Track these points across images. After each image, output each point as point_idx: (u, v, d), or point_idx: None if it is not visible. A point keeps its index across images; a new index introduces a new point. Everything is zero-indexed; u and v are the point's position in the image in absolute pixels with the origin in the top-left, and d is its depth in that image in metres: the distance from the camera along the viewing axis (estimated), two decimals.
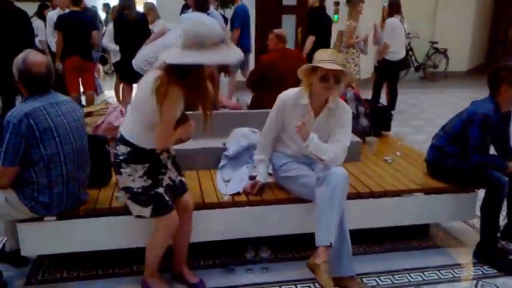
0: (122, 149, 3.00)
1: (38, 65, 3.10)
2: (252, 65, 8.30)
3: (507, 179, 3.62)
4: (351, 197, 3.59)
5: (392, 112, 8.39)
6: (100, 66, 11.36)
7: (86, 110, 5.10)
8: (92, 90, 7.95)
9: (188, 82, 2.80)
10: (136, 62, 3.24)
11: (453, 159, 3.80)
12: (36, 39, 8.14)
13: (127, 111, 3.49)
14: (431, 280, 3.54)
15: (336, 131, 3.52)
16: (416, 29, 11.46)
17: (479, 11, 13.21)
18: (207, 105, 3.04)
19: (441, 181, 3.89)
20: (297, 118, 3.47)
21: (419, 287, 3.45)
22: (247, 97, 6.49)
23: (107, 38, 7.84)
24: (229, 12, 9.35)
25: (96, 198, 3.50)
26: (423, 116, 8.87)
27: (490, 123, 3.59)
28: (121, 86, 8.09)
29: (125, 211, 3.26)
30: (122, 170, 3.00)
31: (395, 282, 3.51)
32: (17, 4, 6.94)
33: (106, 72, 13.69)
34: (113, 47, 7.67)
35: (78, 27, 7.17)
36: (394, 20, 8.13)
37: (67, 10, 7.63)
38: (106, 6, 13.71)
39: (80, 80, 7.52)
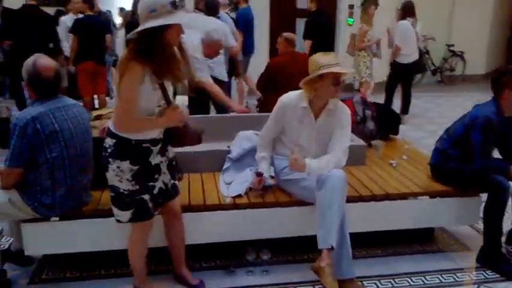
0: (109, 141, 2.91)
1: (47, 70, 3.17)
2: (255, 67, 8.34)
3: (510, 183, 3.59)
4: (353, 200, 3.62)
5: (408, 116, 8.44)
6: (114, 70, 11.45)
7: (96, 113, 5.16)
8: (105, 94, 8.05)
9: (150, 55, 2.70)
10: None
11: (455, 163, 3.78)
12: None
13: None
14: (432, 284, 3.53)
15: (336, 132, 3.53)
16: (432, 31, 11.38)
17: (497, 13, 13.05)
18: (178, 75, 2.92)
19: (444, 184, 3.87)
20: (296, 120, 3.53)
21: None
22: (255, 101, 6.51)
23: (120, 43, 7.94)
24: None
25: (99, 199, 3.54)
26: (439, 120, 8.76)
27: (492, 126, 3.57)
28: None
29: None
30: (109, 166, 2.91)
31: (396, 285, 3.51)
32: None
33: None
34: None
35: (92, 31, 7.29)
36: (405, 23, 8.08)
37: (80, 15, 7.73)
38: (122, 10, 13.81)
39: (92, 83, 7.63)
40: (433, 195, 3.83)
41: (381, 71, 8.96)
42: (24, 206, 3.19)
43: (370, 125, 4.80)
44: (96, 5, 7.61)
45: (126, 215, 3.00)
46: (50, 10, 8.97)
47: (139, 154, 2.92)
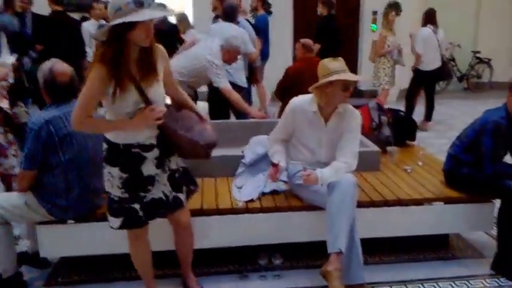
0: (104, 146, 2.89)
1: (63, 75, 3.26)
2: (269, 72, 8.46)
3: None
4: (364, 205, 3.62)
5: (431, 123, 8.38)
6: None
7: None
8: None
9: (111, 57, 2.60)
10: None
11: (467, 168, 3.75)
12: None
13: None
14: None
15: (345, 135, 3.54)
16: (457, 38, 11.28)
17: None
18: (136, 78, 2.71)
19: (457, 190, 3.84)
20: (306, 124, 3.58)
21: None
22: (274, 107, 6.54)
23: None
24: None
25: None
26: (463, 127, 8.58)
27: (501, 131, 3.55)
28: None
29: None
30: (103, 170, 2.91)
31: None
32: None
33: None
34: None
35: None
36: (425, 30, 8.06)
37: (102, 21, 7.86)
38: None
39: None
40: (446, 201, 3.81)
41: (406, 77, 8.91)
42: (39, 208, 3.28)
43: (386, 131, 4.78)
44: None
45: (116, 221, 2.95)
46: (75, 16, 9.17)
47: (129, 161, 2.84)
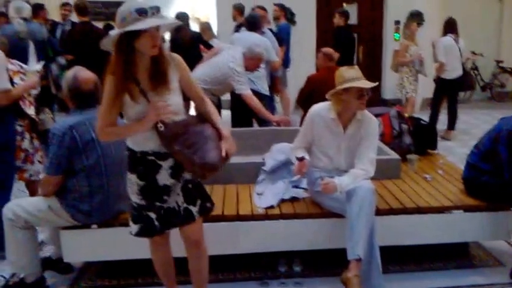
0: (125, 153, 2.92)
1: (87, 82, 3.34)
2: (292, 80, 8.47)
3: None
4: (383, 212, 3.63)
5: (455, 132, 8.34)
6: None
7: None
8: None
9: (122, 67, 2.61)
10: None
11: (487, 177, 3.74)
12: None
13: None
14: None
15: (362, 143, 3.58)
16: (480, 47, 11.22)
17: None
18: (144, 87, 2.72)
19: (477, 199, 3.83)
20: (325, 131, 3.61)
21: None
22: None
23: None
24: None
25: None
26: None
27: None
28: None
29: None
30: (126, 176, 2.93)
31: None
32: None
33: None
34: None
35: None
36: (446, 38, 8.06)
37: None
38: None
39: None
40: (465, 209, 3.80)
41: (428, 87, 8.89)
42: (63, 212, 3.34)
43: (407, 139, 4.79)
44: None
45: (135, 228, 2.96)
46: (99, 24, 9.33)
47: (145, 168, 2.83)
